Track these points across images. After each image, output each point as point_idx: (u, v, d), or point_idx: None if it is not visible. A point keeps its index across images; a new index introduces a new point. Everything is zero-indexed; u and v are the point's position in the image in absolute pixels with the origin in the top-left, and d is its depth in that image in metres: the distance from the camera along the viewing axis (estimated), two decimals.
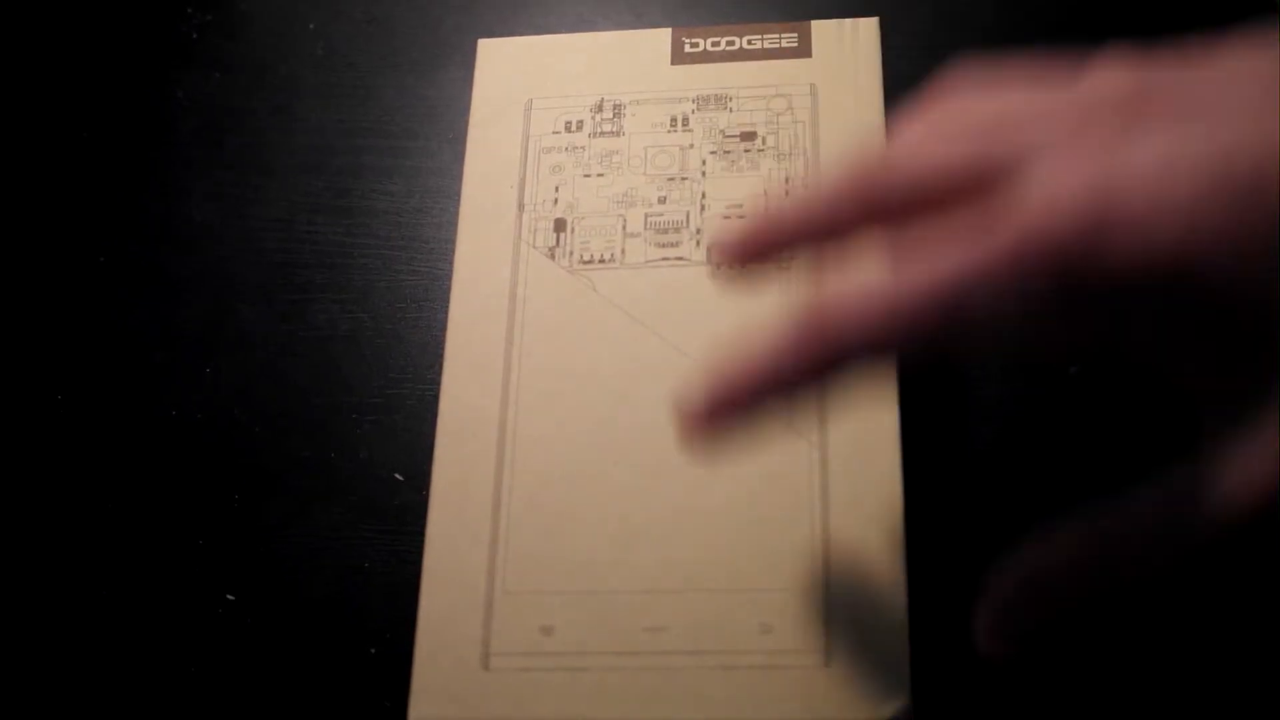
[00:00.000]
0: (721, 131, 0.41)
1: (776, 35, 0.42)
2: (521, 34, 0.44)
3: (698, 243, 0.39)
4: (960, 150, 0.26)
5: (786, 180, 0.40)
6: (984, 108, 0.26)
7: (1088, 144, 0.24)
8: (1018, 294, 0.24)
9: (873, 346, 0.26)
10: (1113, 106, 0.25)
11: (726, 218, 0.39)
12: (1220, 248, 0.23)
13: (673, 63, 0.42)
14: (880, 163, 0.28)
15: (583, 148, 0.41)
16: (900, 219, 0.27)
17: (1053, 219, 0.24)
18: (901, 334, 0.25)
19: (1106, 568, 0.26)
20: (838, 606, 0.34)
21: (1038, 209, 0.24)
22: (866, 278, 0.26)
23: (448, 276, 0.40)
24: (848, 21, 0.42)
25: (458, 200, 0.41)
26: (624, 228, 0.40)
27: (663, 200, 0.40)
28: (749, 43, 0.42)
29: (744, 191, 0.40)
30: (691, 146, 0.41)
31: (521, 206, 0.40)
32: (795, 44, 0.42)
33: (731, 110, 0.41)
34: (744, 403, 0.27)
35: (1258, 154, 0.23)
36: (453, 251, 0.40)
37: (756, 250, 0.30)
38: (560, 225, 0.40)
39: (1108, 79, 0.25)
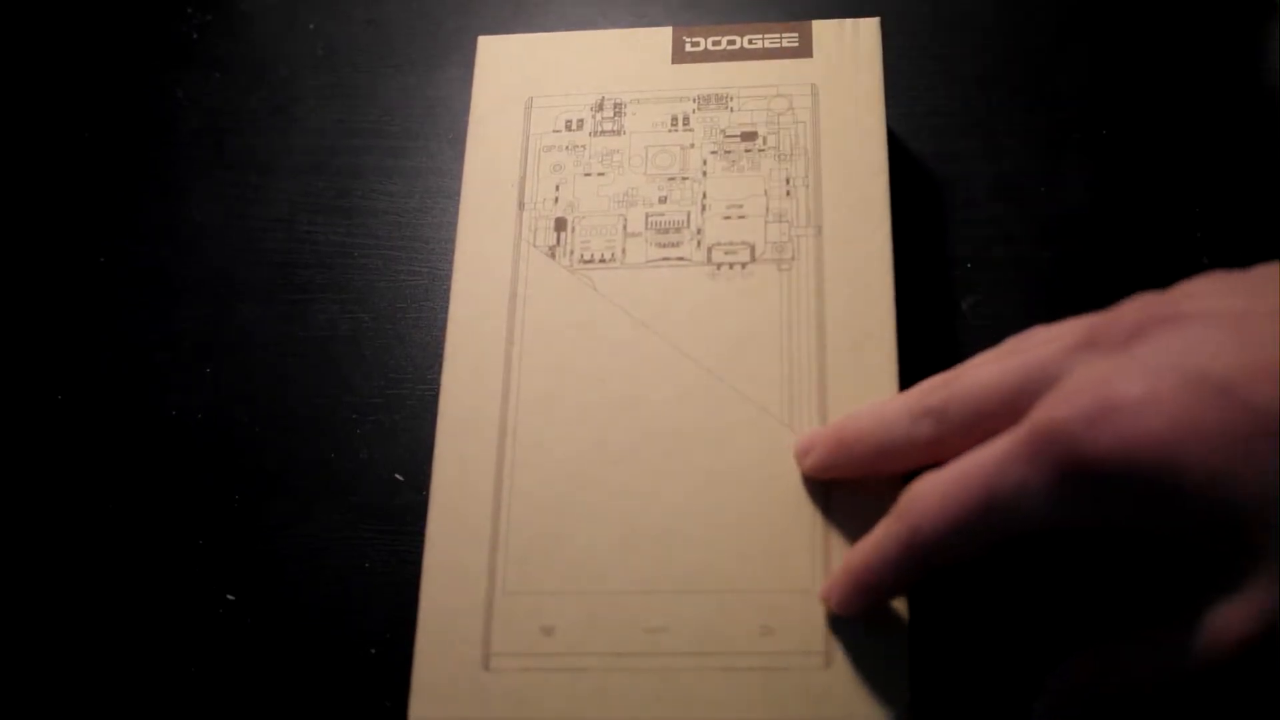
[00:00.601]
0: (722, 131, 0.41)
1: (777, 35, 0.42)
2: (521, 34, 0.44)
3: (698, 243, 0.39)
4: (1006, 371, 0.31)
5: (787, 180, 0.40)
6: (1032, 335, 0.32)
7: (1096, 354, 0.29)
8: (1030, 477, 0.28)
9: (949, 544, 0.30)
10: (1123, 324, 0.29)
11: (726, 217, 0.39)
12: (1201, 440, 0.27)
13: (673, 62, 0.42)
14: (945, 383, 0.32)
15: (583, 146, 0.41)
16: (966, 430, 0.31)
17: (1057, 409, 0.28)
18: (960, 529, 0.30)
19: (1125, 680, 0.30)
20: None
21: (1046, 404, 0.29)
22: (931, 483, 0.31)
23: (448, 276, 0.40)
24: (848, 21, 0.42)
25: (458, 200, 0.41)
26: (624, 227, 0.40)
27: (663, 200, 0.40)
28: (750, 42, 0.42)
29: (745, 191, 0.40)
30: (692, 146, 0.41)
31: (522, 205, 0.40)
32: (796, 44, 0.42)
33: (732, 110, 0.41)
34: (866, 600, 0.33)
35: (1234, 360, 0.27)
36: (453, 251, 0.40)
37: (834, 472, 0.35)
38: (561, 224, 0.40)
39: (1126, 305, 0.30)
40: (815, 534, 0.35)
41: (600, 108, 0.42)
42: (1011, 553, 0.32)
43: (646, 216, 0.40)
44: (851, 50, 0.41)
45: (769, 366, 0.37)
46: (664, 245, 0.39)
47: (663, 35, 0.43)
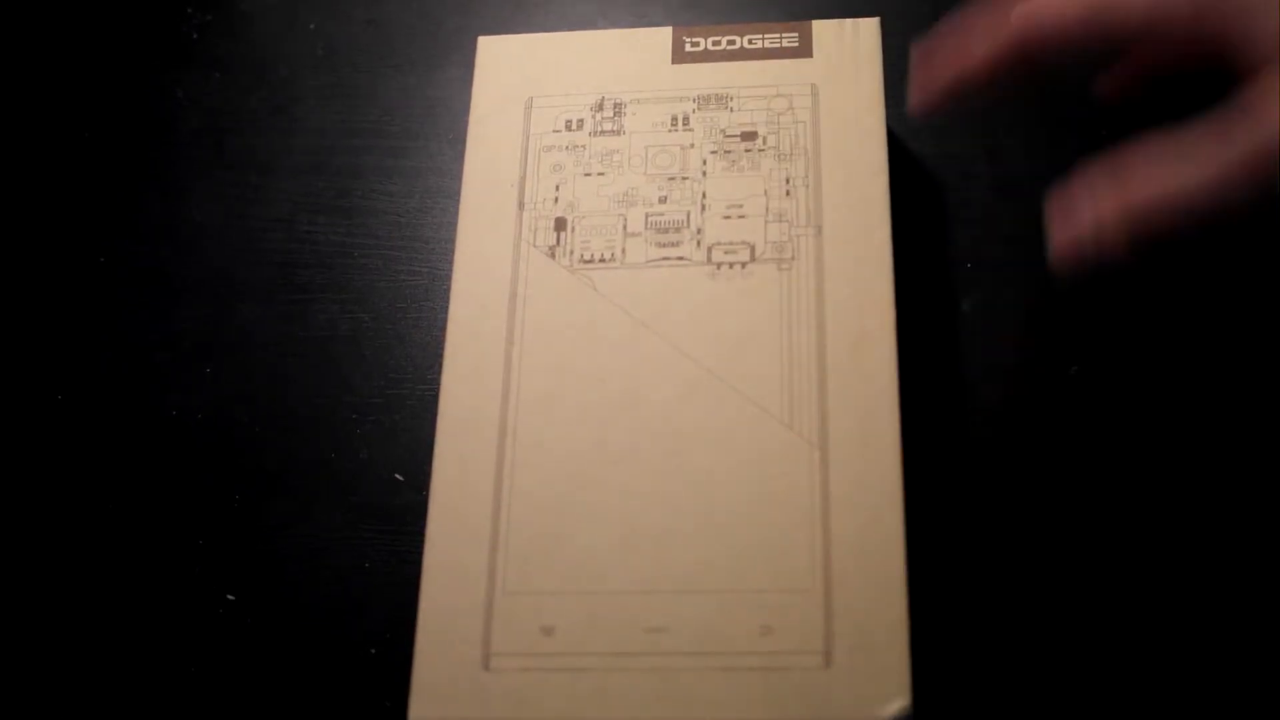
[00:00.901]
0: (722, 131, 0.41)
1: (777, 35, 0.42)
2: (521, 34, 0.44)
3: (698, 243, 0.39)
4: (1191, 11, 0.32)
5: (787, 180, 0.40)
6: None
7: None
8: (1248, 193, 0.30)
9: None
10: None
11: (726, 217, 0.39)
12: None
13: (673, 62, 0.42)
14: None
15: (583, 146, 0.41)
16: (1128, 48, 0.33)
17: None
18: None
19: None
20: (838, 607, 0.34)
21: (1267, 129, 0.30)
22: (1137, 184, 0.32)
23: (448, 276, 0.40)
24: (848, 21, 0.42)
25: (458, 200, 0.41)
26: (624, 227, 0.40)
27: (663, 200, 0.40)
28: (750, 42, 0.42)
29: (744, 191, 0.40)
30: (692, 146, 0.41)
31: (522, 205, 0.40)
32: (796, 44, 0.42)
33: (732, 110, 0.41)
34: None
35: None
36: (453, 251, 0.40)
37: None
38: (561, 224, 0.40)
39: None
40: (815, 534, 0.35)
41: (600, 108, 0.42)
42: None
43: (646, 216, 0.40)
44: (851, 50, 0.41)
45: (769, 366, 0.37)
46: (664, 245, 0.39)
47: (663, 35, 0.43)
